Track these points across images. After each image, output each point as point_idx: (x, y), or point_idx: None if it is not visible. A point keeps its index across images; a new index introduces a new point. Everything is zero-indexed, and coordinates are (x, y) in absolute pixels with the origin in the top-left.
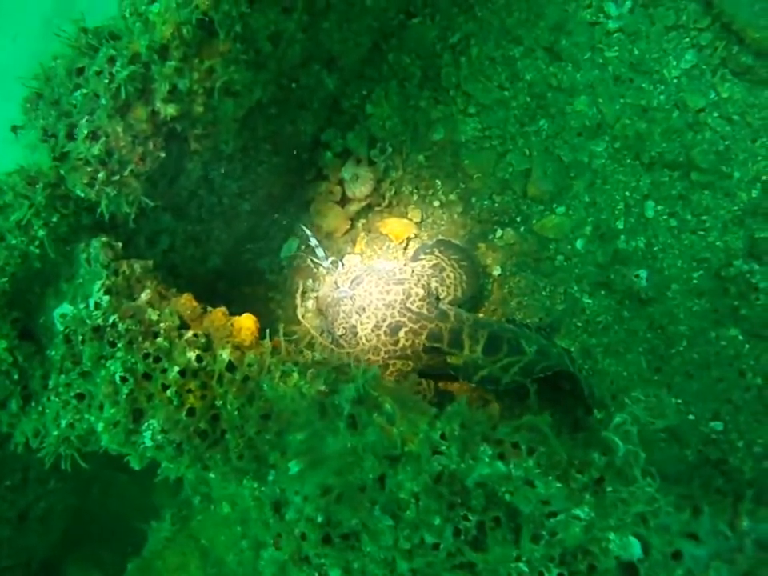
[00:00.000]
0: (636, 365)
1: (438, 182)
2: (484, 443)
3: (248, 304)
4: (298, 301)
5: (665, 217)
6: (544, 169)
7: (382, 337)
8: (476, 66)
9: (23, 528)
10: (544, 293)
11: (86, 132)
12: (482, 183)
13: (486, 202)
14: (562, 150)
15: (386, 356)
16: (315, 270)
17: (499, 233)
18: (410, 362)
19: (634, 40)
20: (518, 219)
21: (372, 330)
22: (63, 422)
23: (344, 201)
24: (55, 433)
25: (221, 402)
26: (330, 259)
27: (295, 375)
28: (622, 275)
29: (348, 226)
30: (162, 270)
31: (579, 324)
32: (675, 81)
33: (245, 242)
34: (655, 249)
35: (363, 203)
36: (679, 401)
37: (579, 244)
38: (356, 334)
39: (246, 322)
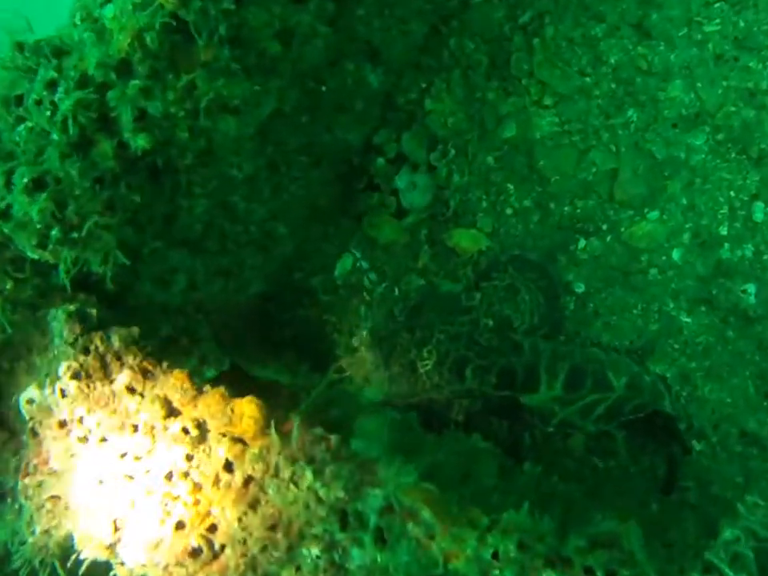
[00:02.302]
0: (742, 390)
1: (511, 186)
2: (549, 569)
3: (301, 328)
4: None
5: None
6: (633, 168)
7: (446, 374)
8: (551, 49)
9: None
10: (635, 311)
11: (26, 180)
12: (562, 186)
13: (566, 208)
14: (655, 145)
15: (450, 395)
16: (368, 296)
17: (582, 243)
18: (478, 402)
19: (740, 10)
20: (604, 227)
21: (434, 367)
22: (37, 529)
23: (401, 212)
24: (30, 540)
25: (219, 507)
26: (384, 284)
27: (309, 475)
28: (727, 290)
29: (407, 239)
30: (186, 309)
31: (676, 346)
32: None
33: (293, 261)
34: (765, 258)
35: (423, 215)
36: None
37: (676, 254)
38: (415, 370)
39: (249, 408)
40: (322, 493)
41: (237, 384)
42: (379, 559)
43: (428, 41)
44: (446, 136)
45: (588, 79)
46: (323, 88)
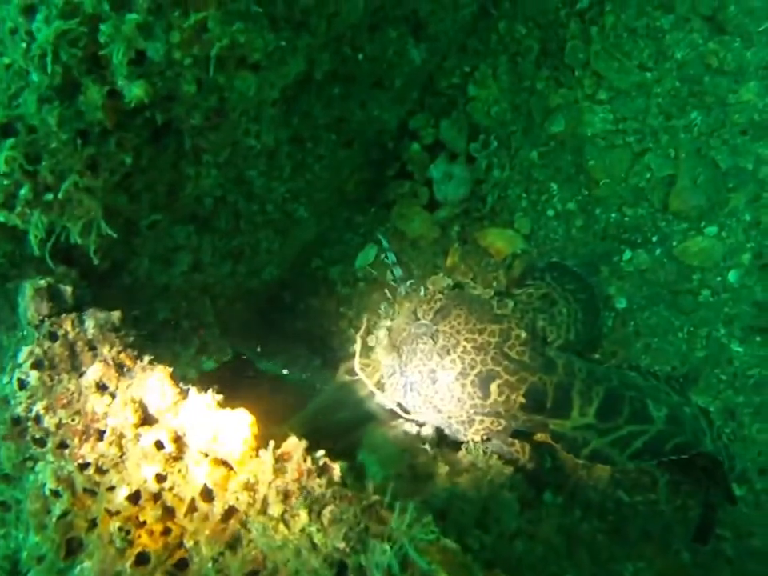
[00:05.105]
0: None
1: (554, 185)
2: None
3: (315, 320)
4: (357, 347)
5: None
6: (693, 176)
7: (468, 388)
8: (611, 39)
9: None
10: (680, 334)
11: None
12: (611, 191)
13: (613, 215)
14: (720, 153)
15: (472, 411)
16: (389, 293)
17: (628, 255)
18: (501, 421)
19: None
20: (654, 239)
21: (456, 379)
22: None
23: (433, 204)
24: None
25: (191, 542)
26: (410, 281)
27: (303, 515)
28: None
29: (437, 234)
30: (190, 292)
31: (724, 377)
32: None
33: (313, 248)
34: None
35: (456, 209)
36: None
37: (733, 276)
38: (435, 381)
39: (240, 423)
40: (317, 538)
41: (238, 377)
42: None
43: (476, 22)
44: (488, 126)
45: (649, 74)
46: (360, 56)
